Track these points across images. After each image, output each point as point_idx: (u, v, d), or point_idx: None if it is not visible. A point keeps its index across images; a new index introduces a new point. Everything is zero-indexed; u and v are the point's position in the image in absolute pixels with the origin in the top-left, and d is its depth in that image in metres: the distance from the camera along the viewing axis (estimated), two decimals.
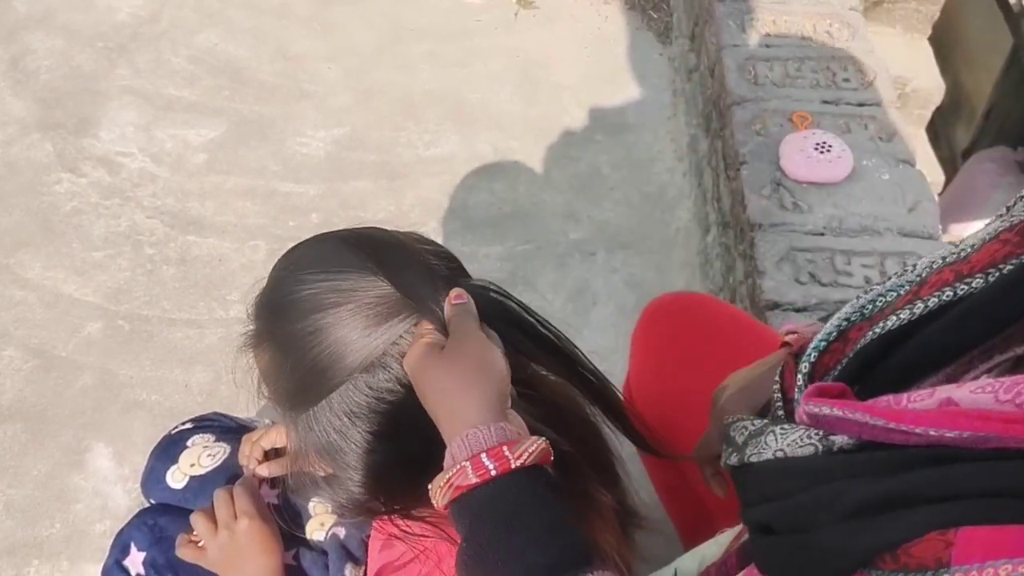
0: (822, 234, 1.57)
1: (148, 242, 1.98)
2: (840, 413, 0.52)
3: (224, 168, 2.13)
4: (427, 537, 0.83)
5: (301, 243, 0.82)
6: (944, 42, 2.66)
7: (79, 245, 1.97)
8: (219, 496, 1.03)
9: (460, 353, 0.72)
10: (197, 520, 1.02)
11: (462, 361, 0.71)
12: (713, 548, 0.90)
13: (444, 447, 0.70)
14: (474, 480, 0.66)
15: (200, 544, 1.04)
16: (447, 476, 0.67)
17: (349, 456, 0.80)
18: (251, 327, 0.81)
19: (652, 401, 1.19)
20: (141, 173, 2.11)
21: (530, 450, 0.68)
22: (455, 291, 0.76)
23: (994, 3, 2.48)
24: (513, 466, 0.67)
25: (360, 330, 0.74)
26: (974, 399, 0.46)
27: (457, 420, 0.69)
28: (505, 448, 0.67)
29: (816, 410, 0.54)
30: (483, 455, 0.66)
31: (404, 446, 0.79)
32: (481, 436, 0.68)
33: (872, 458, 0.50)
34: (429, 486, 0.70)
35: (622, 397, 1.23)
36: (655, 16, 2.55)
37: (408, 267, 0.77)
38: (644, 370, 1.20)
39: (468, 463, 0.66)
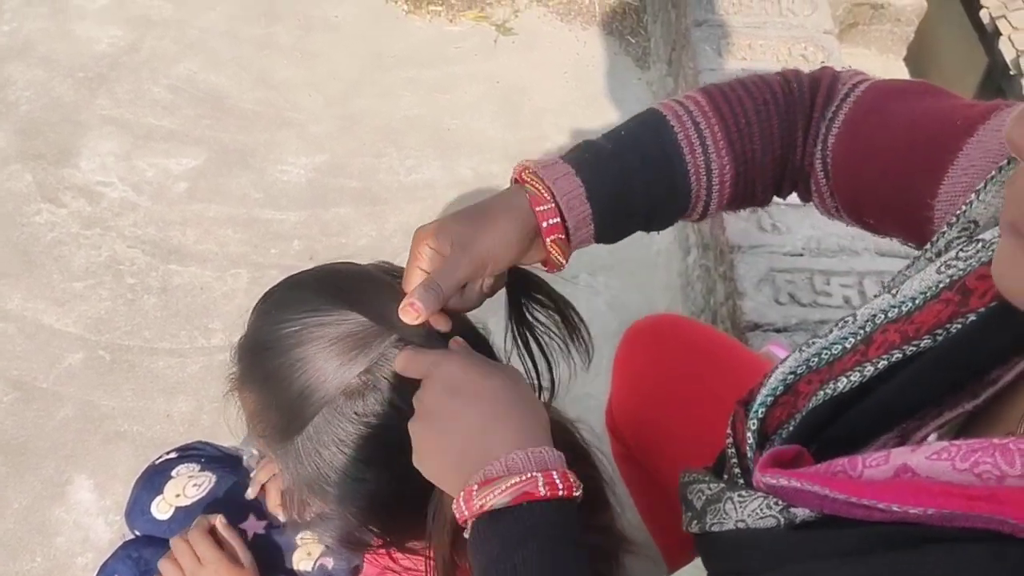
0: (801, 255, 1.58)
1: (129, 272, 1.98)
2: (799, 485, 0.50)
3: (205, 196, 2.13)
4: (418, 571, 0.83)
5: (275, 285, 0.84)
6: (919, 63, 2.70)
7: (59, 276, 1.97)
8: (177, 545, 1.03)
9: (494, 385, 0.68)
10: (165, 569, 1.03)
11: (499, 393, 0.68)
12: (693, 571, 0.90)
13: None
14: (543, 493, 0.63)
15: None
16: (512, 480, 0.63)
17: (340, 487, 0.80)
18: (234, 370, 0.82)
19: (634, 422, 1.19)
20: (122, 202, 2.11)
21: (578, 483, 0.66)
22: (454, 340, 0.75)
23: (968, 24, 2.53)
24: (575, 493, 0.65)
25: (336, 356, 0.74)
26: (931, 466, 0.45)
27: (505, 442, 0.65)
28: (570, 474, 0.65)
29: (773, 481, 0.53)
30: (554, 473, 0.64)
31: (394, 473, 0.79)
32: (546, 457, 0.65)
33: (838, 537, 0.49)
34: (473, 486, 0.64)
35: (604, 419, 1.24)
36: (633, 41, 2.58)
37: (378, 295, 0.78)
38: (626, 391, 1.21)
39: (539, 475, 0.63)
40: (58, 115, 2.30)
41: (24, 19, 2.53)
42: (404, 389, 0.74)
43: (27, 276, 1.96)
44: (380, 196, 2.15)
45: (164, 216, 2.09)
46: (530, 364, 0.85)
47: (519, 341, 0.85)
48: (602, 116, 2.37)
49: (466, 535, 0.66)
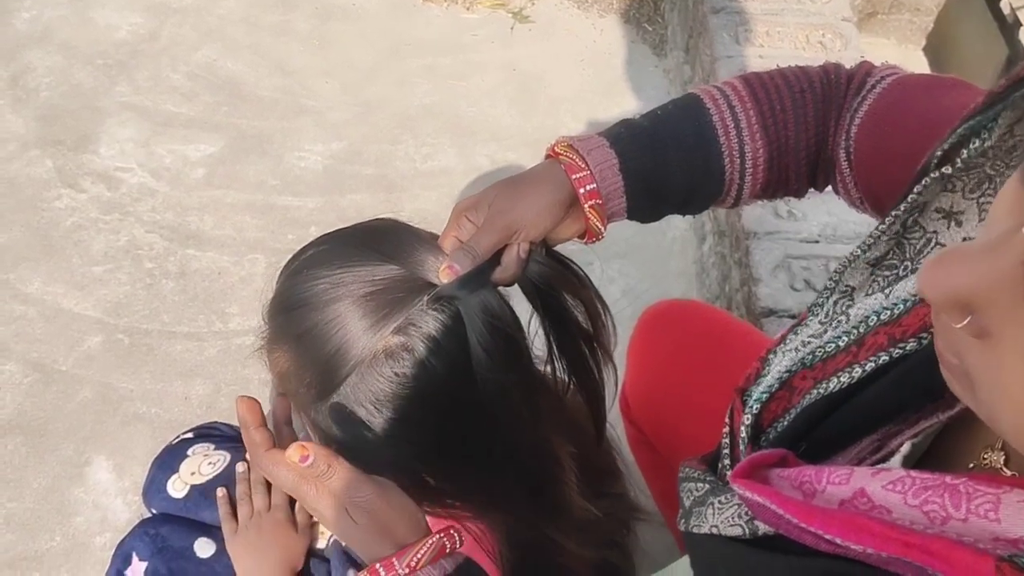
0: (817, 241, 1.58)
1: (148, 256, 1.99)
2: (760, 500, 0.51)
3: (223, 183, 2.15)
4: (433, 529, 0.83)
5: (308, 244, 0.82)
6: (939, 53, 2.68)
7: (79, 260, 1.98)
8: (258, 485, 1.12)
9: None
10: (224, 516, 1.11)
11: None
12: None
13: (467, 430, 0.75)
14: None
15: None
16: None
17: (372, 447, 0.79)
18: (266, 331, 0.81)
19: (648, 408, 1.20)
20: (140, 188, 2.13)
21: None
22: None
23: (988, 14, 2.50)
24: None
25: (371, 313, 0.73)
26: (885, 496, 0.45)
27: None
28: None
29: (741, 492, 0.54)
30: None
31: (428, 433, 0.78)
32: None
33: (787, 565, 0.50)
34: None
35: (618, 404, 1.24)
36: (650, 29, 2.57)
37: (413, 246, 0.78)
38: (640, 377, 1.21)
39: None
40: (78, 102, 2.31)
41: (44, 6, 2.55)
42: (442, 349, 0.74)
43: (47, 260, 1.98)
44: (396, 183, 2.16)
45: (182, 202, 2.10)
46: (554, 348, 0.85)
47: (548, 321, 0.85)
48: (619, 104, 2.37)
49: None
